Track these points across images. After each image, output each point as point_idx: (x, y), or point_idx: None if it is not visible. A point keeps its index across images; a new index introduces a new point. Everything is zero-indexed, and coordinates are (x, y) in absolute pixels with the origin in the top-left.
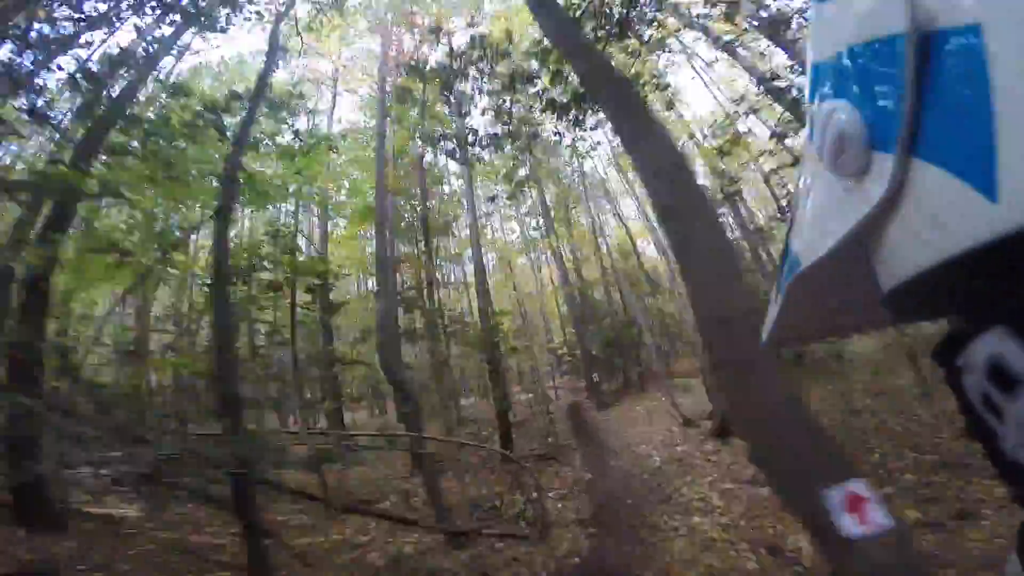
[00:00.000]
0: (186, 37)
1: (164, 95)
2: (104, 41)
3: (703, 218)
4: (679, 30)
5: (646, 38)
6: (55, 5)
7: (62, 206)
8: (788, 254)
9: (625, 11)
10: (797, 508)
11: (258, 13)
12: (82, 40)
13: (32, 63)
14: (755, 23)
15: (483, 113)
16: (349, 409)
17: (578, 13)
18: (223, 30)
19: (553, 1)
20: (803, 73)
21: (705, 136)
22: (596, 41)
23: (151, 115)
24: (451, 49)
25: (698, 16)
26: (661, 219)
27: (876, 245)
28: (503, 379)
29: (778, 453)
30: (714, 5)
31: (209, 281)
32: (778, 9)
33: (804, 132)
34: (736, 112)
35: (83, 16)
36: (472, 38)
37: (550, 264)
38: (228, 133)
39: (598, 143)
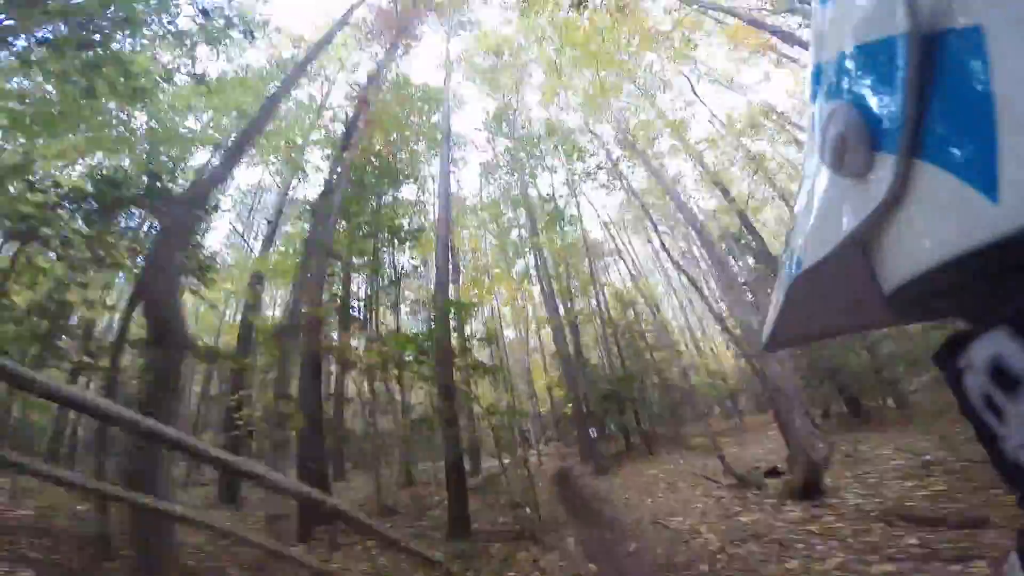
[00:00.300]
0: None
1: None
2: None
3: None
4: None
5: None
6: None
7: None
8: (790, 254)
9: None
10: None
11: None
12: None
13: None
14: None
15: None
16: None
17: None
18: None
19: None
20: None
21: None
22: None
23: None
24: None
25: None
26: None
27: (878, 245)
28: (456, 408)
29: None
30: None
31: None
32: None
33: (807, 132)
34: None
35: None
36: None
37: (538, 318)
38: None
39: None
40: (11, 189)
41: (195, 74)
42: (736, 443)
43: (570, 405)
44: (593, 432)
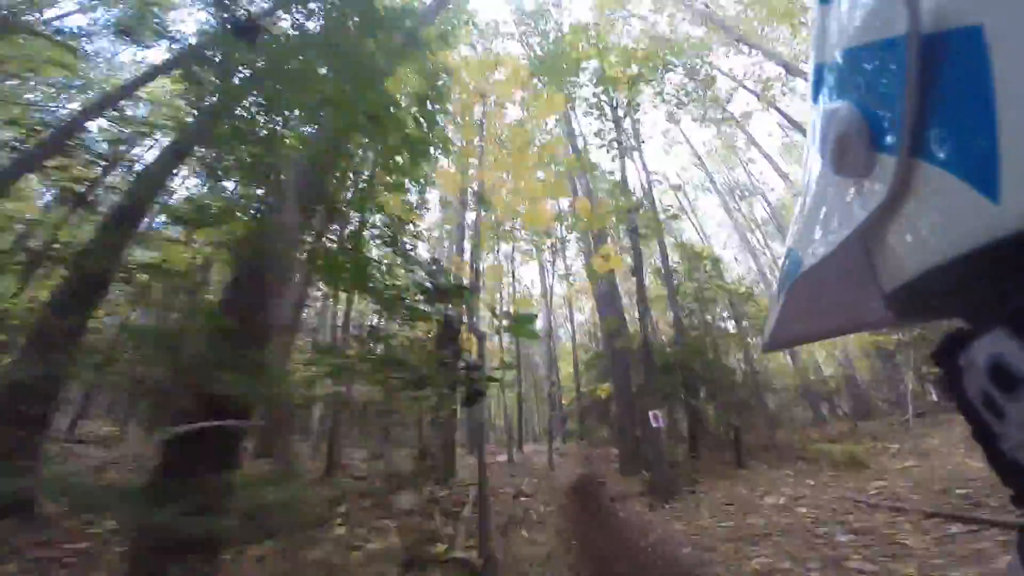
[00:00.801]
0: None
1: None
2: None
3: None
4: None
5: None
6: None
7: None
8: (790, 255)
9: None
10: None
11: None
12: None
13: None
14: None
15: None
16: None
17: None
18: None
19: None
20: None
21: None
22: None
23: None
24: None
25: None
26: None
27: (878, 246)
28: None
29: None
30: None
31: None
32: None
33: (808, 132)
34: None
35: None
36: None
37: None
38: None
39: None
40: None
41: None
42: (903, 453)
43: (607, 385)
44: (655, 419)
